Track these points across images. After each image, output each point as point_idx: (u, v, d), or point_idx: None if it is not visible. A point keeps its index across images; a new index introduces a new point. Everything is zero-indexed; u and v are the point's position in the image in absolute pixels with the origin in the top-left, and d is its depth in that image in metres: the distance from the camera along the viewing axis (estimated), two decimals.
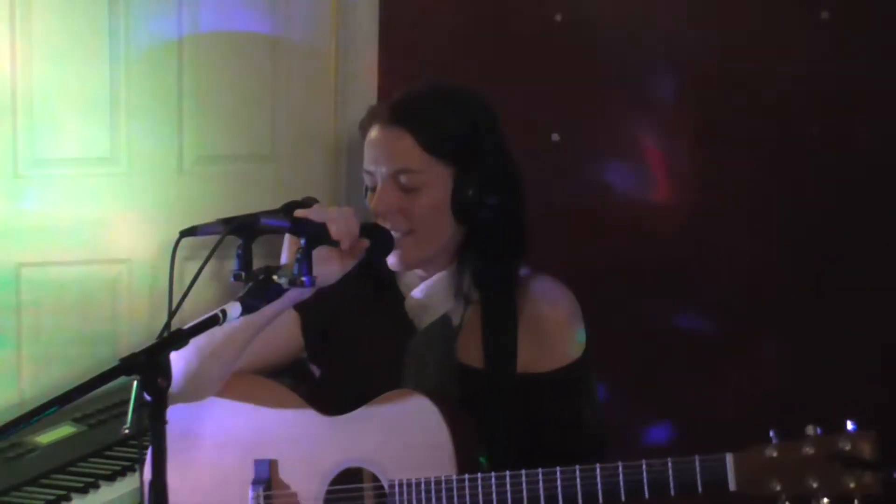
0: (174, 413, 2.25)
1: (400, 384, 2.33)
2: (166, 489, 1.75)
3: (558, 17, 4.03)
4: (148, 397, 1.75)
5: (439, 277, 2.38)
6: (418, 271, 2.41)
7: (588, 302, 2.46)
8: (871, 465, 1.99)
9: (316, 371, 2.49)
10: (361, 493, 2.29)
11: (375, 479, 2.27)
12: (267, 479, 2.34)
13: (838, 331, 4.22)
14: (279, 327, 2.35)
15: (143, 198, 3.76)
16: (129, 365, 1.75)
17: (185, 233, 2.01)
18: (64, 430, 3.05)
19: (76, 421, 3.09)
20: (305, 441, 2.33)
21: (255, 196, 3.76)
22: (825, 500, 2.01)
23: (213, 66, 3.85)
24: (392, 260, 2.32)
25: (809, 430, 2.04)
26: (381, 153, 2.32)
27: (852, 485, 2.00)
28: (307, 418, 2.34)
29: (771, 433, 2.06)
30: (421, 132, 2.29)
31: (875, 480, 1.99)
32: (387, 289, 2.44)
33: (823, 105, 4.12)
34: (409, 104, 2.35)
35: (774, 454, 2.05)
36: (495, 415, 2.33)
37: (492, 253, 2.37)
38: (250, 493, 2.33)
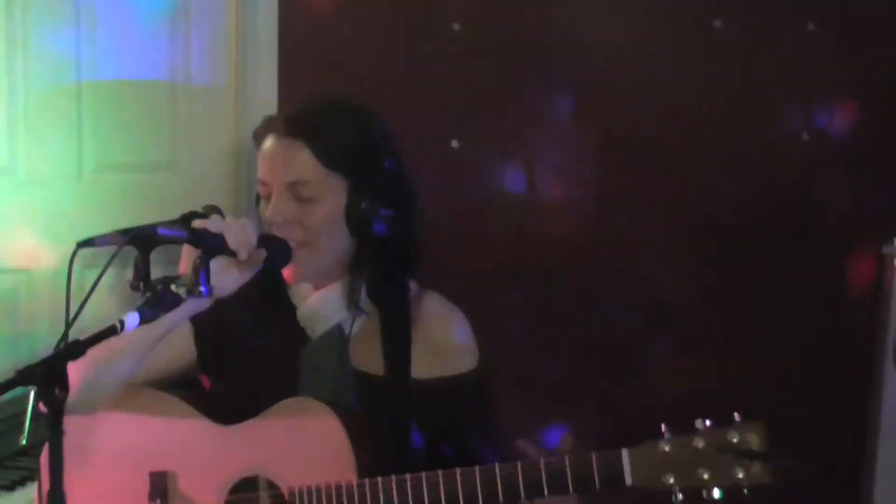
0: (68, 426, 2.25)
1: (294, 393, 2.33)
2: (64, 499, 1.75)
3: (456, 27, 4.06)
4: (44, 409, 1.75)
5: (332, 288, 2.39)
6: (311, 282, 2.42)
7: (487, 308, 2.49)
8: (758, 455, 2.05)
9: (206, 382, 2.48)
10: (260, 501, 2.28)
11: (272, 486, 2.27)
12: (164, 492, 2.32)
13: (737, 329, 4.30)
14: (172, 338, 2.33)
15: (43, 207, 3.73)
16: (25, 376, 1.75)
17: (82, 244, 1.99)
18: None
19: None
20: (202, 452, 2.32)
21: (155, 205, 3.74)
22: (716, 490, 2.07)
23: (112, 71, 3.83)
24: (287, 272, 2.33)
25: (699, 423, 2.09)
26: (277, 164, 2.32)
27: (741, 475, 2.06)
28: (203, 429, 2.33)
29: (662, 428, 2.11)
30: (316, 144, 2.30)
31: (763, 470, 2.05)
32: (279, 299, 2.44)
33: (718, 109, 4.20)
34: (305, 117, 2.36)
35: (667, 448, 2.09)
36: (393, 419, 2.35)
37: (383, 264, 2.39)
38: None
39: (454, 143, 4.10)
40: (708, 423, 2.08)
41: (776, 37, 4.23)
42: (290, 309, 2.43)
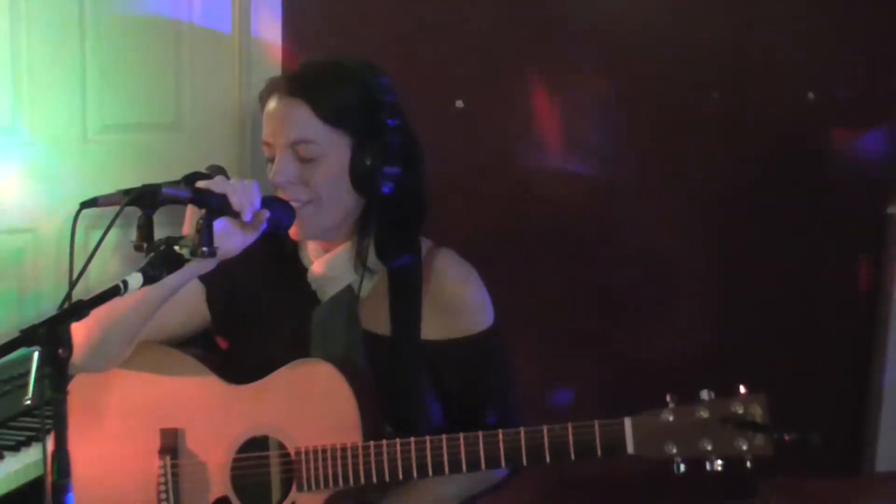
0: (79, 383, 2.27)
1: (306, 354, 2.35)
2: (69, 459, 1.76)
3: None
4: (48, 368, 1.76)
5: (341, 250, 2.40)
6: (320, 244, 2.43)
7: (492, 268, 2.49)
8: (761, 427, 2.05)
9: (222, 343, 2.50)
10: (268, 460, 2.31)
11: (282, 446, 2.29)
12: (174, 448, 2.35)
13: (741, 295, 4.30)
14: (184, 298, 2.36)
15: (47, 167, 3.71)
16: (29, 336, 1.76)
17: (86, 204, 2.00)
18: None
19: None
20: (212, 410, 2.35)
21: (160, 165, 3.70)
22: (718, 461, 2.08)
23: (117, 34, 3.81)
24: (294, 230, 2.33)
25: (704, 394, 2.10)
26: (279, 124, 2.32)
27: (744, 447, 2.07)
28: (213, 387, 2.36)
29: (668, 397, 2.12)
30: (317, 102, 2.30)
31: (766, 442, 2.07)
32: (290, 261, 2.46)
33: (723, 70, 4.19)
34: (307, 76, 2.35)
35: (670, 418, 2.10)
36: (402, 380, 2.36)
37: (391, 223, 2.39)
38: (157, 462, 2.35)
39: (459, 103, 4.09)
40: (712, 394, 2.09)
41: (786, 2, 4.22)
42: (302, 271, 2.44)
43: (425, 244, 2.46)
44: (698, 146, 4.22)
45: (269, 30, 3.95)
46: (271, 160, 2.35)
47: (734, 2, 4.19)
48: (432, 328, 2.39)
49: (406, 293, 2.40)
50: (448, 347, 2.40)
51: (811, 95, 4.25)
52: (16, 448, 2.83)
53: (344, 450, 2.23)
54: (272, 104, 2.34)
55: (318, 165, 2.31)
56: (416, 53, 3.99)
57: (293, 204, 2.28)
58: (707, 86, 4.20)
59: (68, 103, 3.74)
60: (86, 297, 1.88)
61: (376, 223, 2.39)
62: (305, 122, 2.30)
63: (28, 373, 1.76)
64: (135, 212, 2.04)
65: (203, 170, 2.25)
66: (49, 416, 1.76)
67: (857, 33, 4.25)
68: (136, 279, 1.95)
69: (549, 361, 4.19)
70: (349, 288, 2.39)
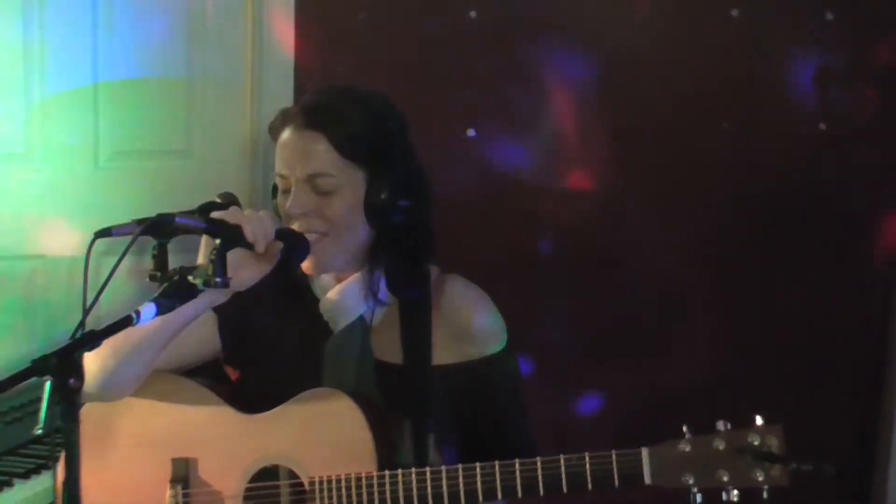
0: (90, 412, 2.26)
1: (318, 384, 2.34)
2: (79, 489, 1.75)
3: (473, 14, 4.05)
4: (60, 398, 1.75)
5: (352, 280, 2.40)
6: (332, 274, 2.42)
7: (499, 295, 2.49)
8: (778, 458, 2.06)
9: (231, 374, 2.49)
10: (281, 490, 2.30)
11: (293, 476, 2.28)
12: (185, 478, 2.34)
13: (749, 322, 4.28)
14: (196, 327, 2.34)
15: (59, 193, 3.72)
16: (41, 366, 1.75)
17: (100, 234, 2.00)
18: None
19: None
20: (224, 439, 2.34)
21: (171, 192, 3.74)
22: (735, 492, 2.09)
23: (129, 61, 3.82)
24: (307, 264, 2.33)
25: (720, 425, 2.11)
26: (296, 157, 2.32)
27: (761, 477, 2.08)
28: (226, 416, 2.35)
29: (684, 428, 2.12)
30: (336, 136, 2.29)
31: (782, 473, 2.07)
32: (301, 292, 2.45)
33: (733, 100, 4.18)
34: (322, 108, 2.35)
35: (687, 449, 2.11)
36: (415, 407, 2.36)
37: (402, 253, 2.39)
38: (168, 492, 2.33)
39: (470, 132, 4.09)
40: (729, 425, 2.09)
41: (794, 26, 4.21)
42: (313, 302, 2.44)
43: (433, 271, 2.47)
44: (707, 175, 4.21)
45: (281, 58, 3.96)
46: (285, 192, 2.35)
47: (744, 30, 4.18)
48: (445, 353, 2.39)
49: (416, 321, 2.40)
50: (462, 371, 2.40)
51: (822, 126, 4.24)
52: (26, 476, 2.82)
53: (359, 479, 2.23)
54: (287, 136, 2.34)
55: (334, 198, 2.31)
56: (427, 84, 4.00)
57: (308, 236, 2.28)
58: (718, 115, 4.19)
59: (80, 130, 3.74)
60: (98, 326, 1.87)
61: (387, 254, 2.39)
62: (323, 155, 2.30)
63: (39, 399, 1.75)
64: (148, 239, 2.04)
65: (216, 198, 2.25)
66: (60, 445, 1.75)
67: (868, 63, 4.24)
68: (148, 309, 1.94)
69: (561, 385, 4.17)
70: (361, 318, 2.40)
